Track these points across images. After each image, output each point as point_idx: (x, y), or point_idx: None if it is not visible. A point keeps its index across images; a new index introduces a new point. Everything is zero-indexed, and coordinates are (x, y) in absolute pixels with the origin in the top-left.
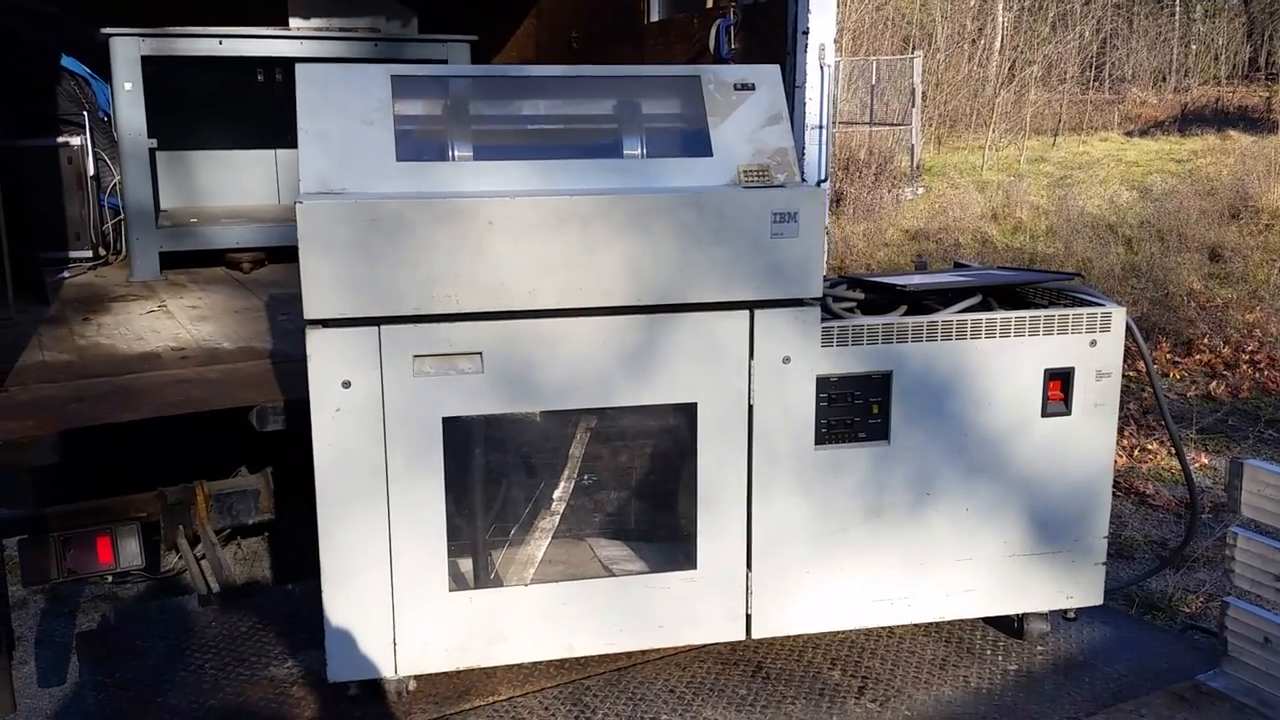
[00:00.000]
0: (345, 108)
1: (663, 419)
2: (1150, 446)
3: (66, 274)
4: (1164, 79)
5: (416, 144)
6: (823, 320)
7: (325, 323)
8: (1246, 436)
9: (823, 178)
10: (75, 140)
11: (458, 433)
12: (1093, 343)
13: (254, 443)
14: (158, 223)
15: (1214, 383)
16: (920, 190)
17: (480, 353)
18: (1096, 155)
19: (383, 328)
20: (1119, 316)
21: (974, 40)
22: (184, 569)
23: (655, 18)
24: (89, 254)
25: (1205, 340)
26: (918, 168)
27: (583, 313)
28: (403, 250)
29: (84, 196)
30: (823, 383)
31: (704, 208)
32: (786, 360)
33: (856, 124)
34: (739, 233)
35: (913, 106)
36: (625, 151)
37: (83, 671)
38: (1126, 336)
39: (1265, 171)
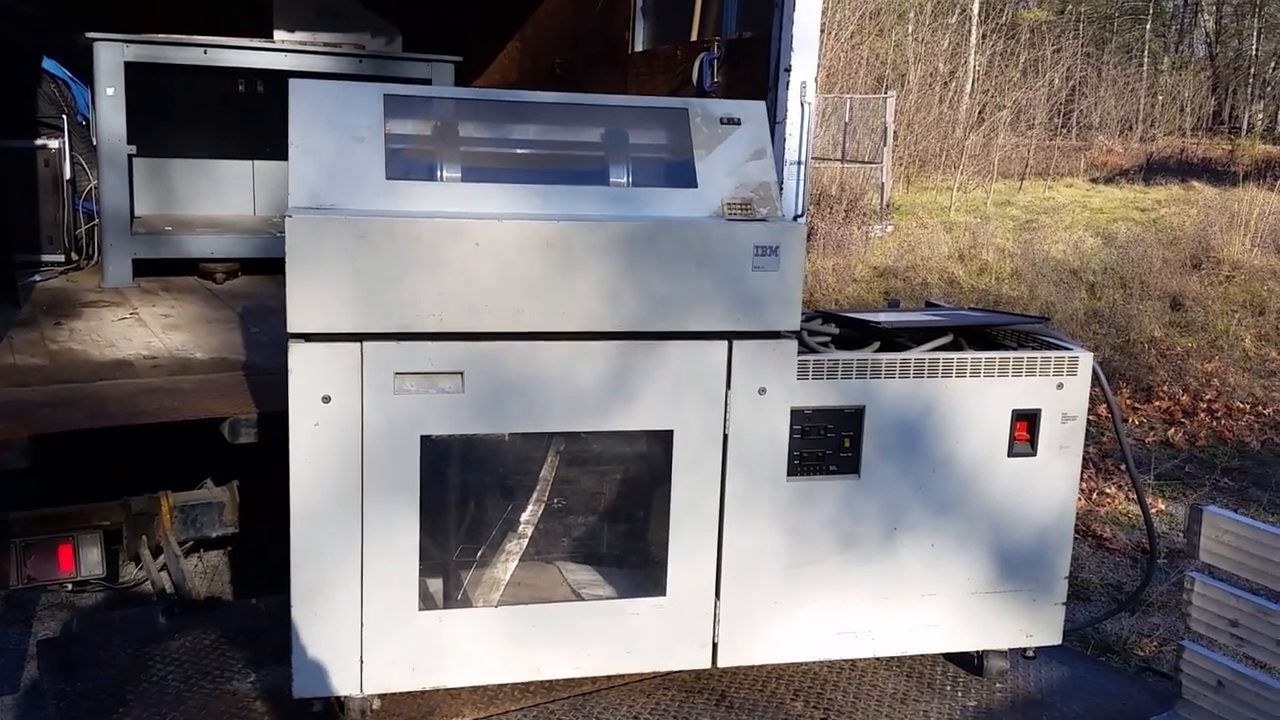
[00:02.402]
0: (337, 124)
1: (638, 445)
2: (1108, 490)
3: (38, 277)
4: (1130, 128)
5: (406, 163)
6: (799, 354)
7: (308, 337)
8: (1203, 484)
9: (800, 213)
10: (53, 143)
11: (436, 452)
12: (1059, 386)
13: (220, 455)
14: (132, 229)
15: (1172, 430)
16: (889, 228)
17: (462, 372)
18: (1062, 201)
19: (365, 344)
20: (1086, 361)
21: (946, 83)
22: (144, 580)
23: (639, 48)
24: (62, 258)
25: (1165, 388)
26: (887, 206)
27: (565, 337)
28: (389, 268)
29: (59, 200)
30: (797, 415)
31: (687, 238)
32: (763, 391)
33: (828, 160)
34: (721, 264)
35: (884, 145)
36: (612, 179)
37: (43, 679)
38: (1092, 382)
39: (1227, 223)
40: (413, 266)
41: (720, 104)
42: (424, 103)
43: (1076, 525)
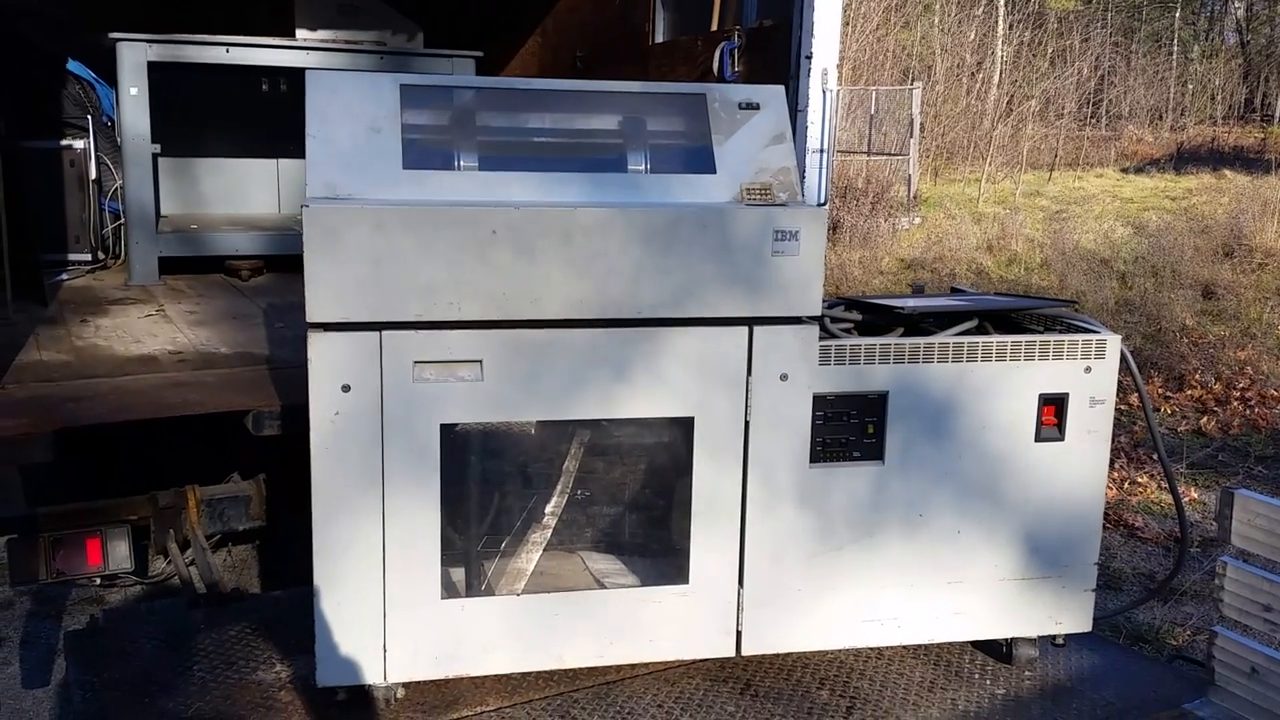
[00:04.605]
0: (354, 114)
1: (659, 433)
2: (1140, 480)
3: (65, 276)
4: (1160, 117)
5: (423, 152)
6: (820, 339)
7: (327, 326)
8: (1236, 472)
9: (822, 201)
10: (78, 143)
11: (455, 440)
12: (1087, 369)
13: (247, 449)
14: (158, 228)
15: (1205, 418)
16: (917, 220)
17: (481, 361)
18: (1092, 191)
19: (384, 333)
20: (1114, 344)
21: (973, 74)
22: (173, 574)
23: (659, 39)
24: (88, 257)
25: (1197, 376)
26: (914, 198)
27: (584, 324)
28: (407, 257)
29: (85, 199)
30: (819, 401)
31: (706, 223)
32: (784, 377)
33: (855, 153)
34: (740, 249)
35: (910, 137)
36: (630, 166)
37: (69, 671)
38: (1120, 365)
39: (1259, 211)
40: (430, 255)
41: (739, 89)
42: (440, 92)
43: (1108, 515)
